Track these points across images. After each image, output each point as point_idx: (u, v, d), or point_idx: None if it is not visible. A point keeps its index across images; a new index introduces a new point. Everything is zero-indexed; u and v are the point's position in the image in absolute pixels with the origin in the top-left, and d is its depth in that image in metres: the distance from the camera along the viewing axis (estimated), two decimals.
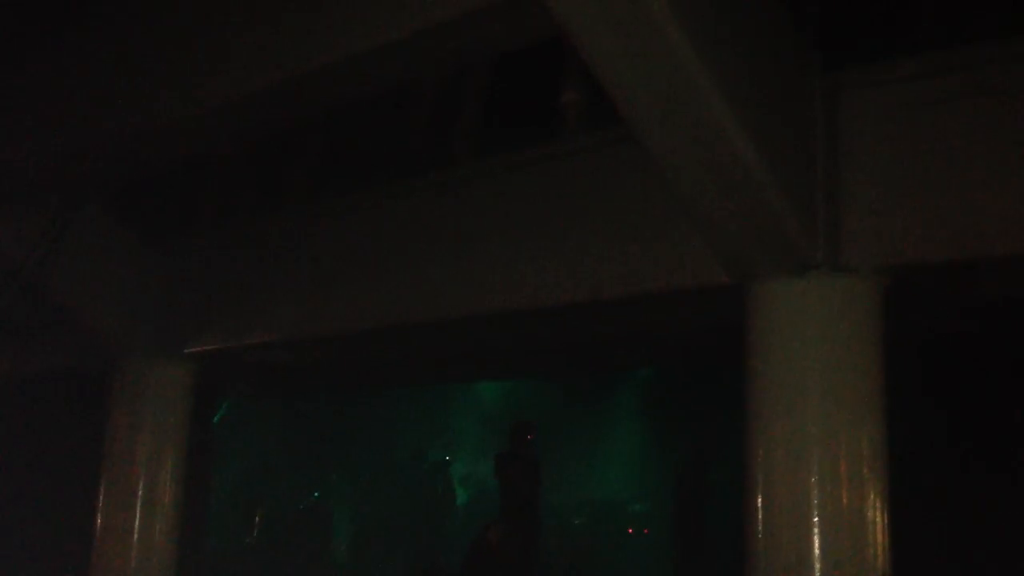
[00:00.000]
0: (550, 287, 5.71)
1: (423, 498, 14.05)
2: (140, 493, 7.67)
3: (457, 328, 7.10)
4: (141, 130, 5.93)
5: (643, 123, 4.39)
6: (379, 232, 6.71)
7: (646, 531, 14.22)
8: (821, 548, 4.47)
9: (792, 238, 4.50)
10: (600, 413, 15.68)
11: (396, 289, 6.49)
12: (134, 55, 5.95)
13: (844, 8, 4.66)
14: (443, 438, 15.14)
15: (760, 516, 4.65)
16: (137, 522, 7.64)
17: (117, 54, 6.05)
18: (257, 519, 13.62)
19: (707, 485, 11.78)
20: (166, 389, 7.72)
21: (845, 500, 4.54)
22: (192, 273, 7.81)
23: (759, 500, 4.65)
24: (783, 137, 4.44)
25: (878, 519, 4.52)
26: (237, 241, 7.67)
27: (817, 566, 4.46)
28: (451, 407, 15.95)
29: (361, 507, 15.13)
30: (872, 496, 4.52)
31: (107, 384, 8.01)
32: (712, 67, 4.04)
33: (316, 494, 14.71)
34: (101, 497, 7.80)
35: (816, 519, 4.48)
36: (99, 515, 7.79)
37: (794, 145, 4.48)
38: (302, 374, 10.45)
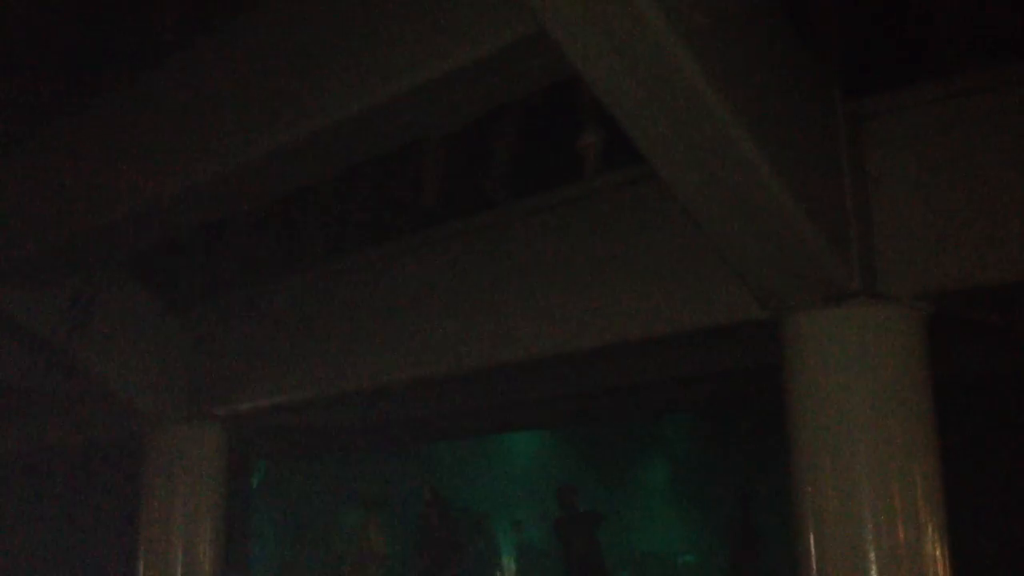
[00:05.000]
0: (577, 332, 5.60)
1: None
2: (179, 558, 7.60)
3: (486, 378, 7.01)
4: (159, 199, 5.89)
5: (668, 164, 4.29)
6: (400, 285, 6.64)
7: None
8: None
9: (827, 268, 4.38)
10: (638, 463, 15.44)
11: (422, 342, 6.40)
12: (145, 128, 5.96)
13: (862, 36, 4.58)
14: (479, 493, 14.91)
15: (814, 557, 4.48)
16: None
17: (130, 126, 6.06)
18: None
19: (757, 529, 11.54)
20: (199, 452, 7.69)
21: (902, 535, 4.37)
22: (217, 335, 7.79)
23: (811, 540, 4.49)
24: (810, 168, 4.33)
25: (937, 553, 4.36)
26: (260, 302, 7.62)
27: None
28: (484, 462, 15.74)
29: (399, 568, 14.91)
30: (930, 530, 4.36)
31: (139, 451, 7.96)
32: (735, 103, 3.94)
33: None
34: (140, 564, 7.74)
35: (873, 557, 4.33)
36: None
37: (822, 175, 4.38)
38: (332, 433, 10.39)
